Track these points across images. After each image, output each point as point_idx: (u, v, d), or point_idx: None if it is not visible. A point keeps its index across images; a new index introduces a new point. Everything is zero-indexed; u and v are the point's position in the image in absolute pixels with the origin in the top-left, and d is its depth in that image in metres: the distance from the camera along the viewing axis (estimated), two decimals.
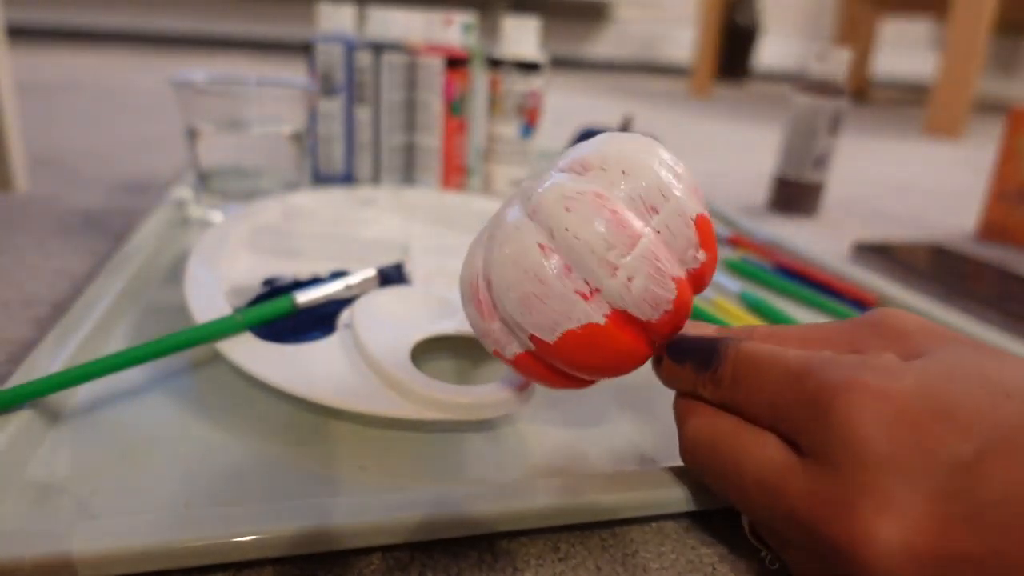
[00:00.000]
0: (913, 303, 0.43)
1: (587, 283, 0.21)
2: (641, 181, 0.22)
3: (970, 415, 0.17)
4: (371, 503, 0.22)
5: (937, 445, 0.17)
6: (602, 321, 0.21)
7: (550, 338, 0.22)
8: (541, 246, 0.21)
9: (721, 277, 0.45)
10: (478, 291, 0.23)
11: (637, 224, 0.21)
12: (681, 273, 0.22)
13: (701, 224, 0.22)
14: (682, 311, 0.22)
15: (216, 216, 0.49)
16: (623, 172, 0.22)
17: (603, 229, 0.21)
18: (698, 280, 0.23)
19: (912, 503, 0.17)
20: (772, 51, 2.63)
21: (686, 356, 0.23)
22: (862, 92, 2.10)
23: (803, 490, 0.19)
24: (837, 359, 0.19)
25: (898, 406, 0.18)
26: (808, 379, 0.19)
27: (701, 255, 0.22)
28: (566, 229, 0.21)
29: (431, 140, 0.57)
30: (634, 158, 0.22)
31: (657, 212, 0.22)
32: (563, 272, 0.21)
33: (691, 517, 0.24)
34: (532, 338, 0.22)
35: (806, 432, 0.19)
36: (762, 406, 0.20)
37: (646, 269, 0.21)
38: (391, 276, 0.35)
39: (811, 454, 0.19)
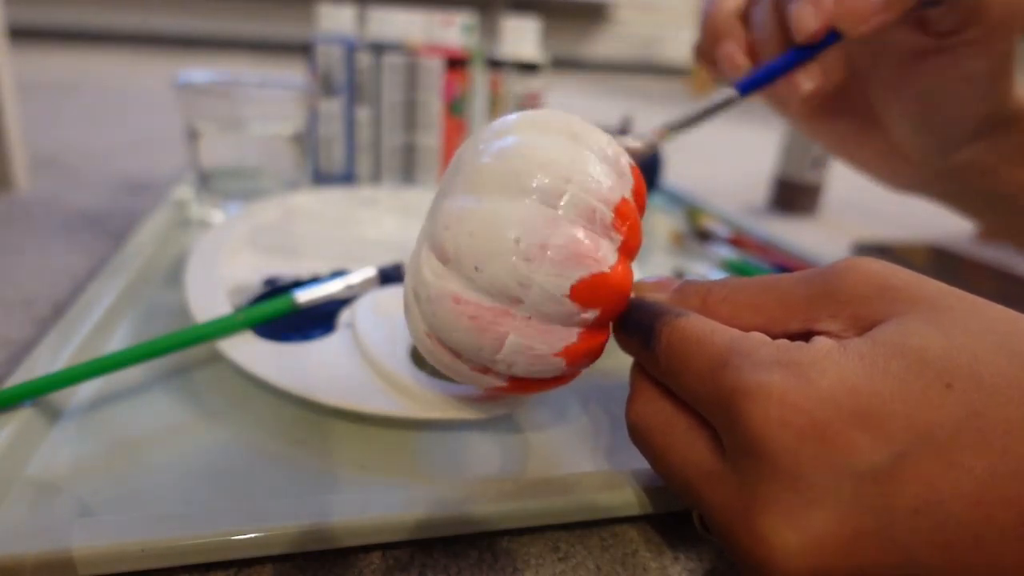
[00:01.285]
0: None
1: (477, 365, 0.22)
2: (496, 278, 0.20)
3: (891, 417, 0.16)
4: (371, 501, 0.22)
5: (848, 455, 0.16)
6: (505, 384, 0.23)
7: (475, 390, 0.24)
8: (428, 335, 0.22)
9: (721, 277, 0.45)
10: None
11: (501, 324, 0.20)
12: (570, 338, 0.21)
13: (579, 292, 0.20)
14: (583, 361, 0.22)
15: (216, 216, 0.49)
16: (475, 268, 0.20)
17: (467, 336, 0.21)
18: (601, 323, 0.22)
19: (817, 518, 0.16)
20: None
21: (631, 331, 0.22)
22: None
23: (718, 497, 0.18)
24: (756, 352, 0.18)
25: (808, 414, 0.16)
26: (724, 375, 0.18)
27: (590, 314, 0.21)
28: (438, 331, 0.21)
29: (431, 140, 0.57)
30: (485, 248, 0.20)
31: (522, 301, 0.20)
32: (453, 358, 0.22)
33: (691, 516, 0.24)
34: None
35: (723, 432, 0.18)
36: (689, 395, 0.20)
37: (521, 359, 0.21)
38: (391, 276, 0.35)
39: (729, 457, 0.18)
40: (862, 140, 0.36)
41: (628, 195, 0.22)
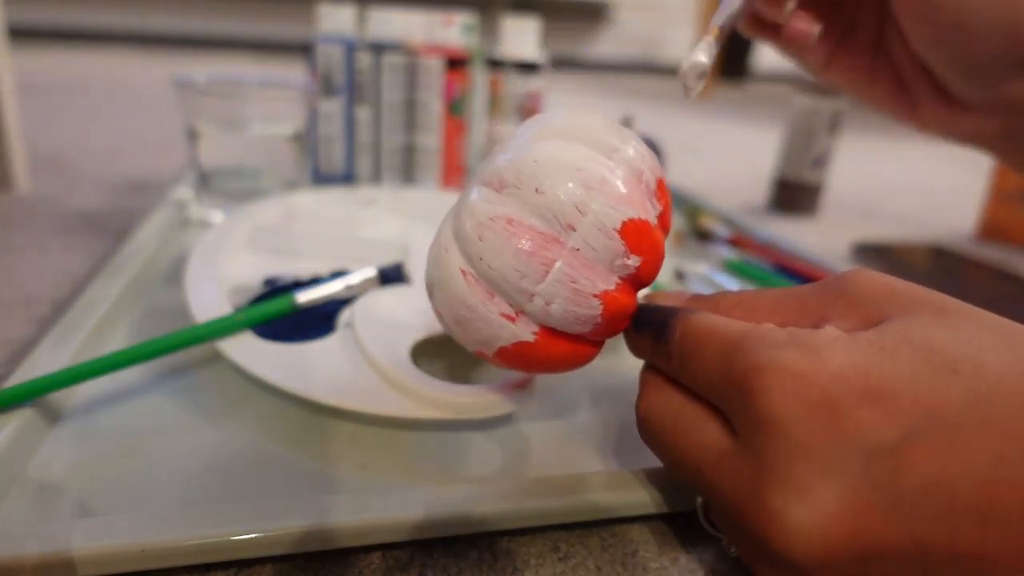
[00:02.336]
0: None
1: (511, 305, 0.22)
2: (556, 199, 0.21)
3: (900, 397, 0.16)
4: (371, 502, 0.22)
5: (858, 430, 0.16)
6: (531, 339, 0.22)
7: (488, 351, 0.23)
8: (463, 272, 0.22)
9: (721, 277, 0.45)
10: (431, 299, 0.24)
11: (550, 249, 0.21)
12: (610, 284, 0.21)
13: (628, 231, 0.21)
14: (616, 319, 0.22)
15: (216, 216, 0.49)
16: (536, 190, 0.21)
17: (514, 259, 0.21)
18: (637, 282, 0.22)
19: (827, 492, 0.16)
20: (772, 52, 2.63)
21: (645, 328, 0.23)
22: None
23: (729, 478, 0.18)
24: (769, 335, 0.19)
25: (819, 389, 0.17)
26: (738, 357, 0.19)
27: (633, 260, 0.21)
28: (480, 258, 0.21)
29: (431, 140, 0.57)
30: (549, 172, 0.21)
31: (574, 229, 0.21)
32: (486, 297, 0.22)
33: (691, 515, 0.24)
34: (476, 350, 0.23)
35: (735, 414, 0.19)
36: (701, 383, 0.20)
37: (563, 293, 0.21)
38: (391, 276, 0.35)
39: (740, 437, 0.19)
40: (881, 80, 0.32)
41: (665, 181, 0.23)
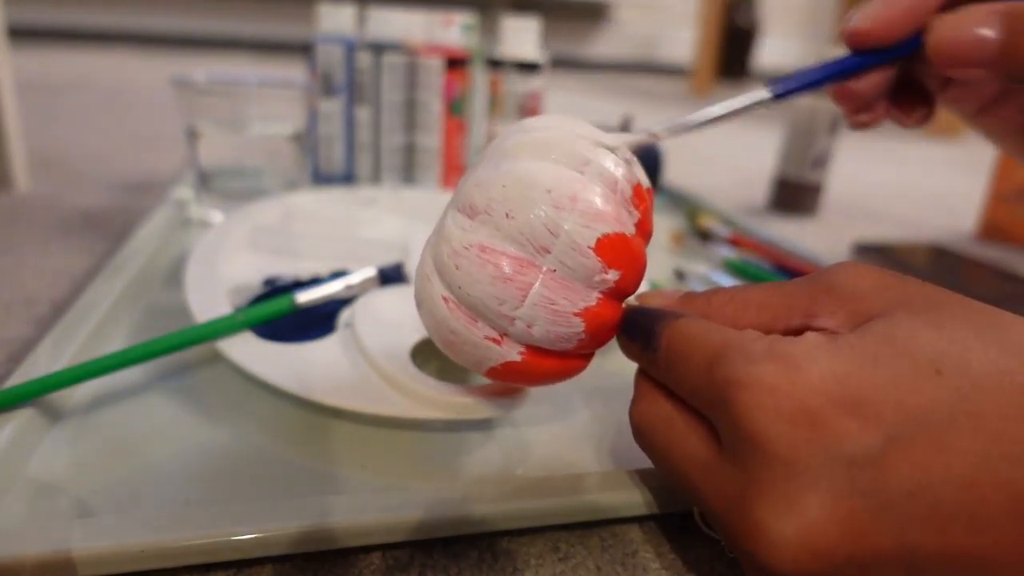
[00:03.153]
0: None
1: (494, 329, 0.22)
2: (527, 223, 0.21)
3: (881, 403, 0.16)
4: (371, 502, 0.22)
5: (839, 439, 0.16)
6: (518, 359, 0.22)
7: (479, 371, 0.23)
8: (445, 299, 0.22)
9: (721, 277, 0.45)
10: (420, 319, 0.24)
11: (526, 273, 0.21)
12: (590, 300, 0.21)
13: (604, 247, 0.21)
14: (600, 333, 0.22)
15: (216, 216, 0.49)
16: (506, 215, 0.21)
17: (491, 287, 0.21)
18: (620, 294, 0.22)
19: (811, 503, 0.16)
20: (772, 51, 2.63)
21: (634, 335, 0.23)
22: None
23: (716, 489, 0.19)
24: (750, 346, 0.18)
25: (797, 402, 0.17)
26: (719, 368, 0.18)
27: (612, 275, 0.21)
28: (459, 287, 0.21)
29: (431, 140, 0.57)
30: (518, 195, 0.21)
31: (549, 251, 0.21)
32: (469, 323, 0.22)
33: (690, 516, 0.24)
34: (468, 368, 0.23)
35: (719, 424, 0.19)
36: (687, 391, 0.20)
37: (543, 315, 0.21)
38: (391, 276, 0.35)
39: (725, 449, 0.19)
40: None
41: (644, 185, 0.23)
